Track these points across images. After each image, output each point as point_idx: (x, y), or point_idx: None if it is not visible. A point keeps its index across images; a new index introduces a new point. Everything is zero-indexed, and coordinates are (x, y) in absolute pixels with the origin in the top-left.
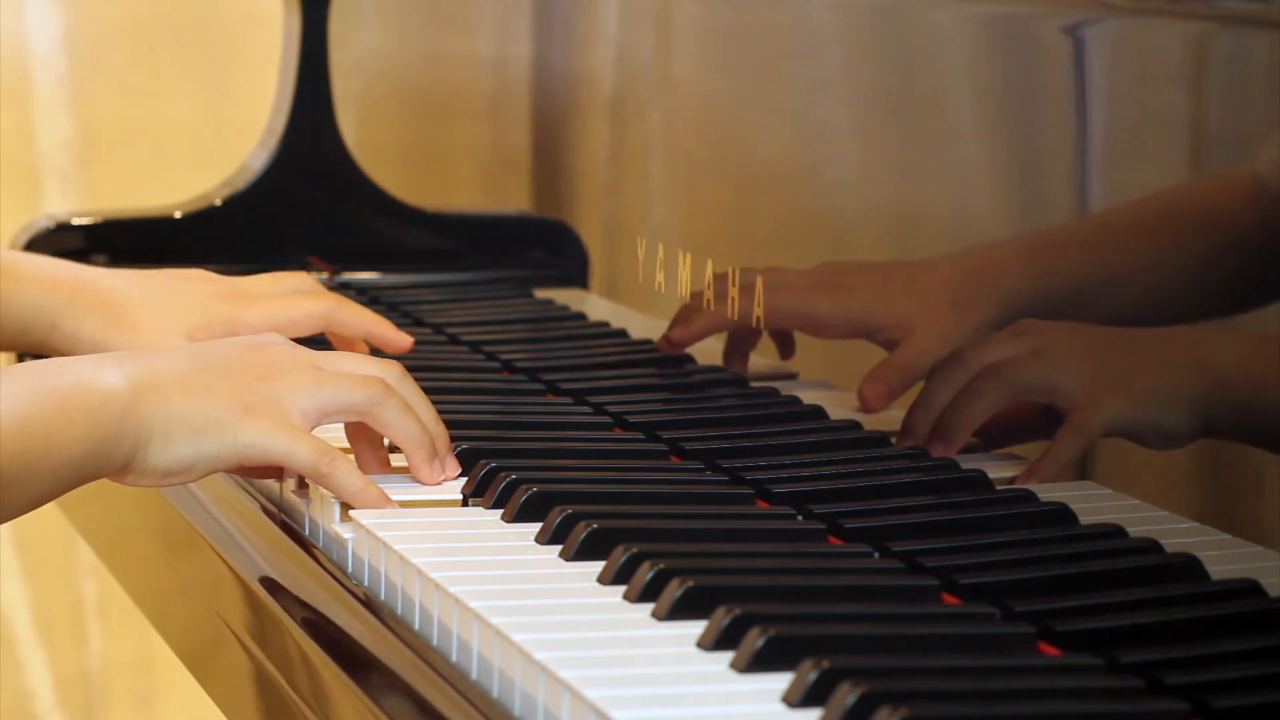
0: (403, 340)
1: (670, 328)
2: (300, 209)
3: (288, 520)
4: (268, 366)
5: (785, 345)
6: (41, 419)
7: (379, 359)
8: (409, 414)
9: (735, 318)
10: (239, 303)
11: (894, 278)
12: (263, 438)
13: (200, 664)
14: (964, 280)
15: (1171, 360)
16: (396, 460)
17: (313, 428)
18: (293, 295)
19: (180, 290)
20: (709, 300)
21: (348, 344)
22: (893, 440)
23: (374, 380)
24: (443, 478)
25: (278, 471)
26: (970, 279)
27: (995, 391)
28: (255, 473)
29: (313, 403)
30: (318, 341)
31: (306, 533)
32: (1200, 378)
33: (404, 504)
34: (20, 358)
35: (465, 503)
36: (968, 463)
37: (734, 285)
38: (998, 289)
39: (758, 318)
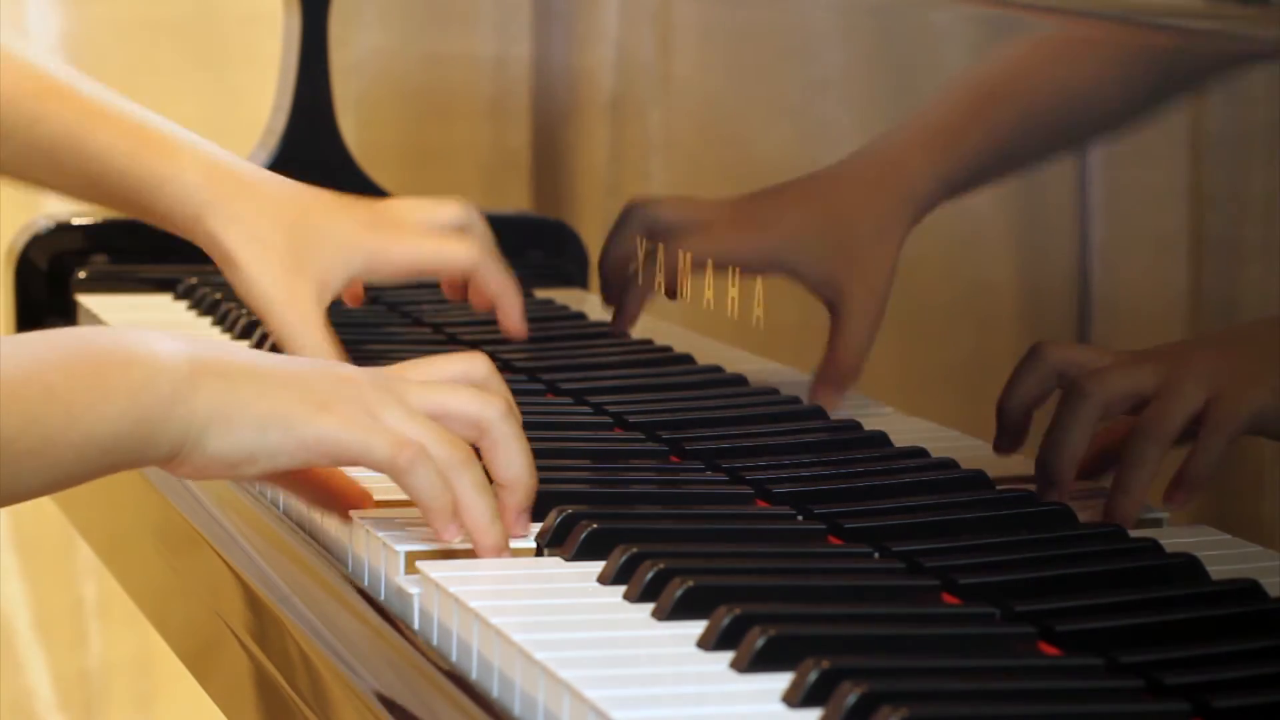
0: (521, 328)
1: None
2: None
3: (289, 519)
4: (355, 384)
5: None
6: (67, 387)
7: (484, 394)
8: (521, 456)
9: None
10: (386, 234)
11: (812, 220)
12: (336, 429)
13: (200, 664)
14: (875, 208)
15: None
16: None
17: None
18: (445, 234)
19: (336, 211)
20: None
21: (477, 301)
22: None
23: (457, 444)
24: (503, 540)
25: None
26: (878, 204)
27: (1152, 454)
28: (312, 492)
29: (417, 404)
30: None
31: (305, 533)
32: None
33: (401, 503)
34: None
35: None
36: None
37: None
38: (906, 195)
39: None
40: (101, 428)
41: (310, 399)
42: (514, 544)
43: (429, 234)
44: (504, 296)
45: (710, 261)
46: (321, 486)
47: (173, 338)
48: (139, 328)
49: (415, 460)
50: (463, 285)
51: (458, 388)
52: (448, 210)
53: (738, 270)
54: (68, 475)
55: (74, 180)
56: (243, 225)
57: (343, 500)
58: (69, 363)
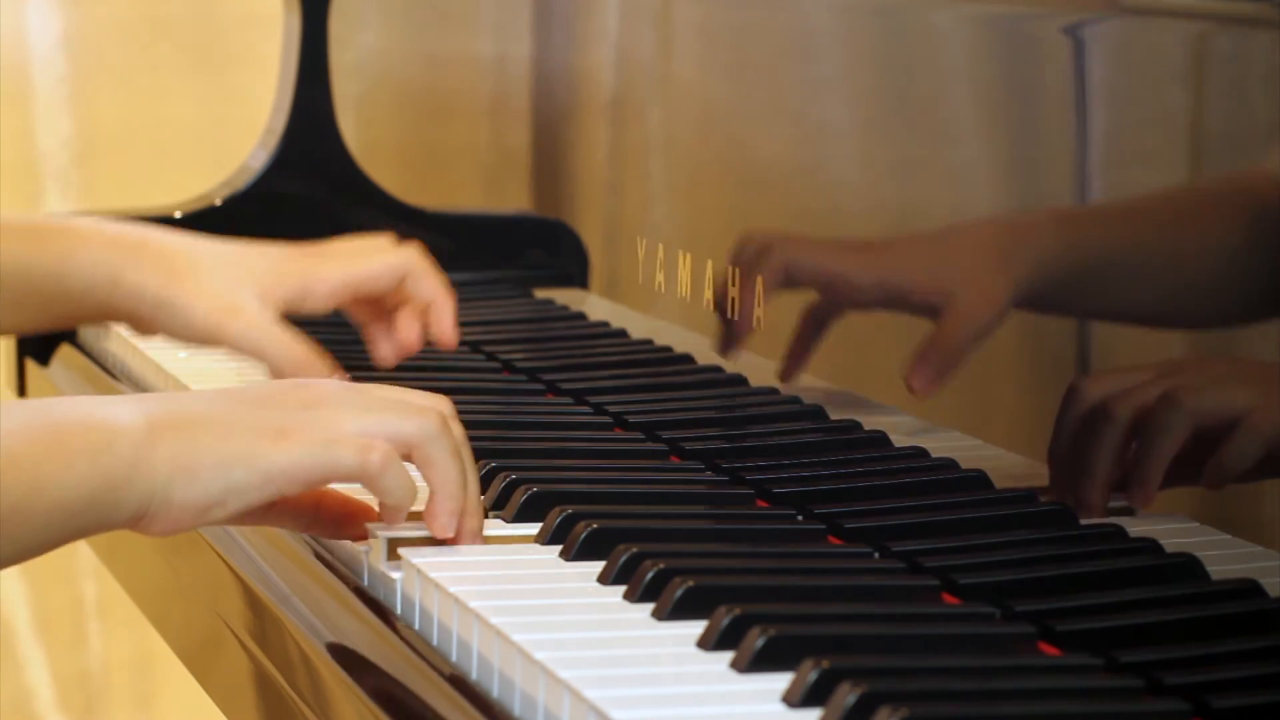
0: (453, 336)
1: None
2: (300, 209)
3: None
4: (311, 398)
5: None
6: (31, 458)
7: (432, 395)
8: (456, 459)
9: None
10: (313, 259)
11: (923, 244)
12: (298, 457)
13: (200, 664)
14: (999, 243)
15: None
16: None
17: None
18: (369, 250)
19: (250, 249)
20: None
21: (409, 311)
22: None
23: (430, 411)
24: (453, 533)
25: (335, 512)
26: (1005, 242)
27: (1178, 426)
28: (310, 524)
29: (358, 426)
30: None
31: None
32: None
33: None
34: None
35: None
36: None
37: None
38: (1034, 253)
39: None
40: (67, 494)
41: (267, 431)
42: (516, 543)
43: (357, 251)
44: (437, 299)
45: (710, 262)
46: (319, 512)
47: (127, 400)
48: (92, 396)
49: (385, 463)
50: (382, 309)
51: (391, 406)
52: (373, 240)
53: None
54: (36, 543)
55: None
56: (159, 272)
57: (349, 521)
58: (29, 432)
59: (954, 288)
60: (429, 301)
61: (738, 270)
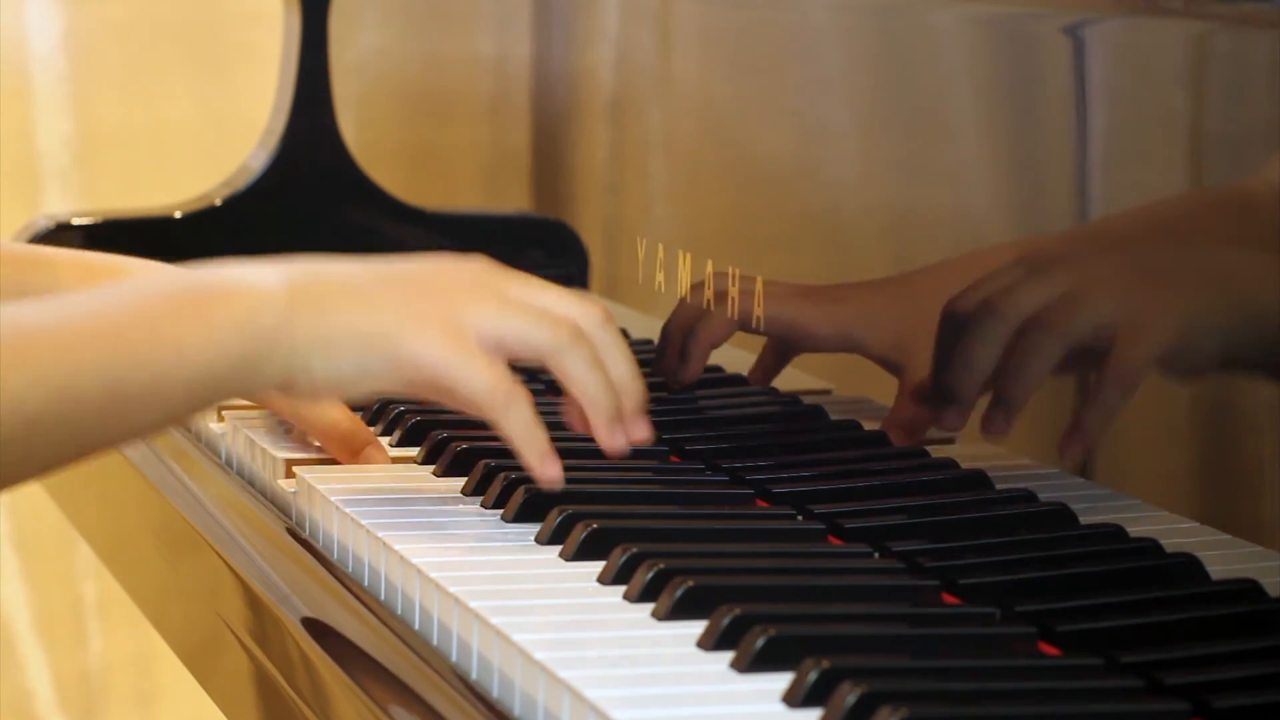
0: None
1: (672, 366)
2: (300, 209)
3: (286, 519)
4: (453, 286)
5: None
6: (174, 327)
7: (584, 297)
8: (594, 369)
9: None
10: None
11: (885, 291)
12: (434, 351)
13: (200, 664)
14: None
15: (1203, 284)
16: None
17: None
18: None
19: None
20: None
21: None
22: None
23: (564, 323)
24: (624, 442)
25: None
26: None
27: (1051, 347)
28: (425, 396)
29: (494, 330)
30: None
31: (307, 533)
32: (1230, 302)
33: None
34: None
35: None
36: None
37: (734, 285)
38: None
39: (757, 318)
40: (209, 364)
41: (409, 315)
42: (516, 542)
43: None
44: None
45: (710, 262)
46: None
47: (271, 266)
48: (235, 262)
49: (509, 403)
50: None
51: (527, 313)
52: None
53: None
54: (176, 412)
55: None
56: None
57: None
58: (173, 302)
59: (915, 340)
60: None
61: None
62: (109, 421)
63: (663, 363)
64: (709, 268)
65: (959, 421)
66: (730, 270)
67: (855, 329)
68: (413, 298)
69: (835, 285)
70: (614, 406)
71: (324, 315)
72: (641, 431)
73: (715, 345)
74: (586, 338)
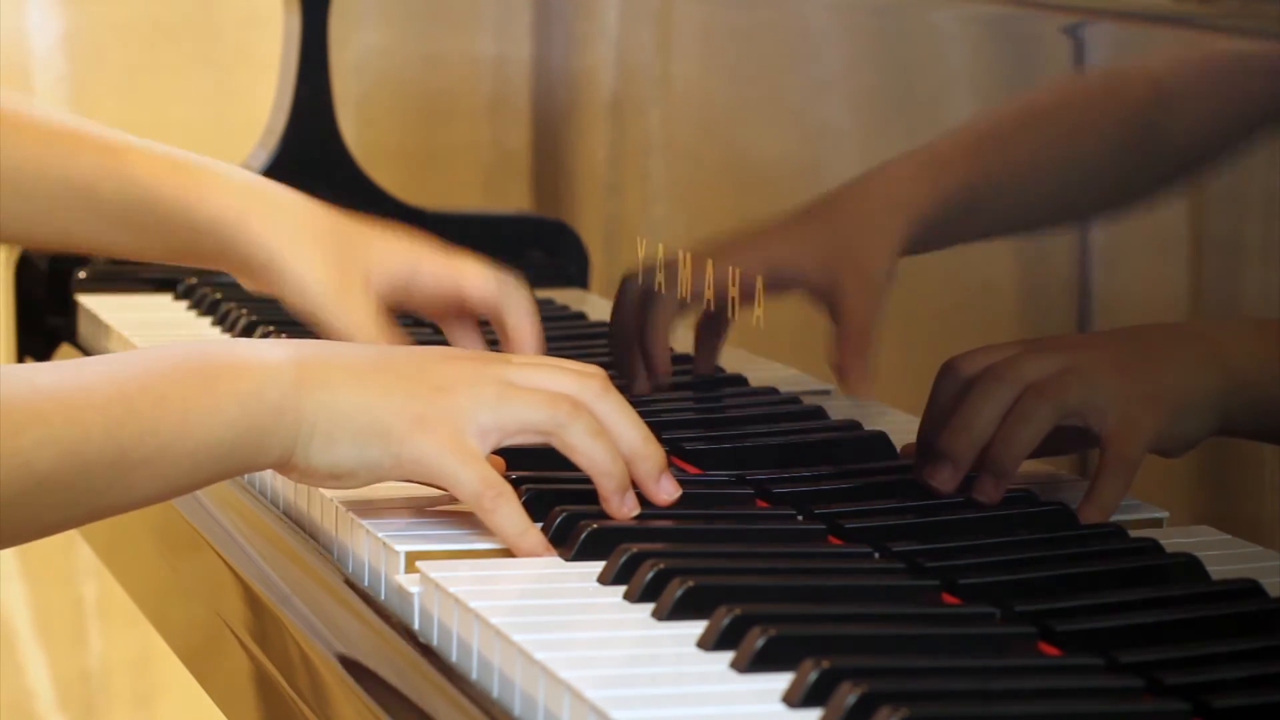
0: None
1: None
2: None
3: (289, 519)
4: (452, 379)
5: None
6: (181, 398)
7: (581, 369)
8: (597, 439)
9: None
10: (422, 248)
11: (797, 231)
12: (430, 453)
13: (200, 664)
14: (867, 211)
15: (1193, 362)
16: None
17: (492, 448)
18: (477, 267)
19: (363, 226)
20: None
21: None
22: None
23: (561, 399)
24: (633, 510)
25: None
26: (871, 206)
27: (1044, 416)
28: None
29: (493, 420)
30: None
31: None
32: (1221, 377)
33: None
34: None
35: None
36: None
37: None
38: (900, 207)
39: (708, 299)
40: (214, 436)
41: (407, 413)
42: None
43: (461, 259)
44: (525, 343)
45: (710, 261)
46: None
47: (278, 344)
48: (244, 339)
49: (497, 504)
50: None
51: (523, 396)
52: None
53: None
54: (180, 484)
55: (109, 213)
56: (284, 228)
57: None
58: (181, 374)
59: (840, 271)
60: (516, 343)
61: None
62: (114, 488)
63: (630, 369)
64: (709, 268)
65: (951, 484)
66: (730, 270)
67: (784, 261)
68: (416, 392)
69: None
70: (622, 474)
71: (329, 399)
72: (667, 493)
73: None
74: (586, 409)
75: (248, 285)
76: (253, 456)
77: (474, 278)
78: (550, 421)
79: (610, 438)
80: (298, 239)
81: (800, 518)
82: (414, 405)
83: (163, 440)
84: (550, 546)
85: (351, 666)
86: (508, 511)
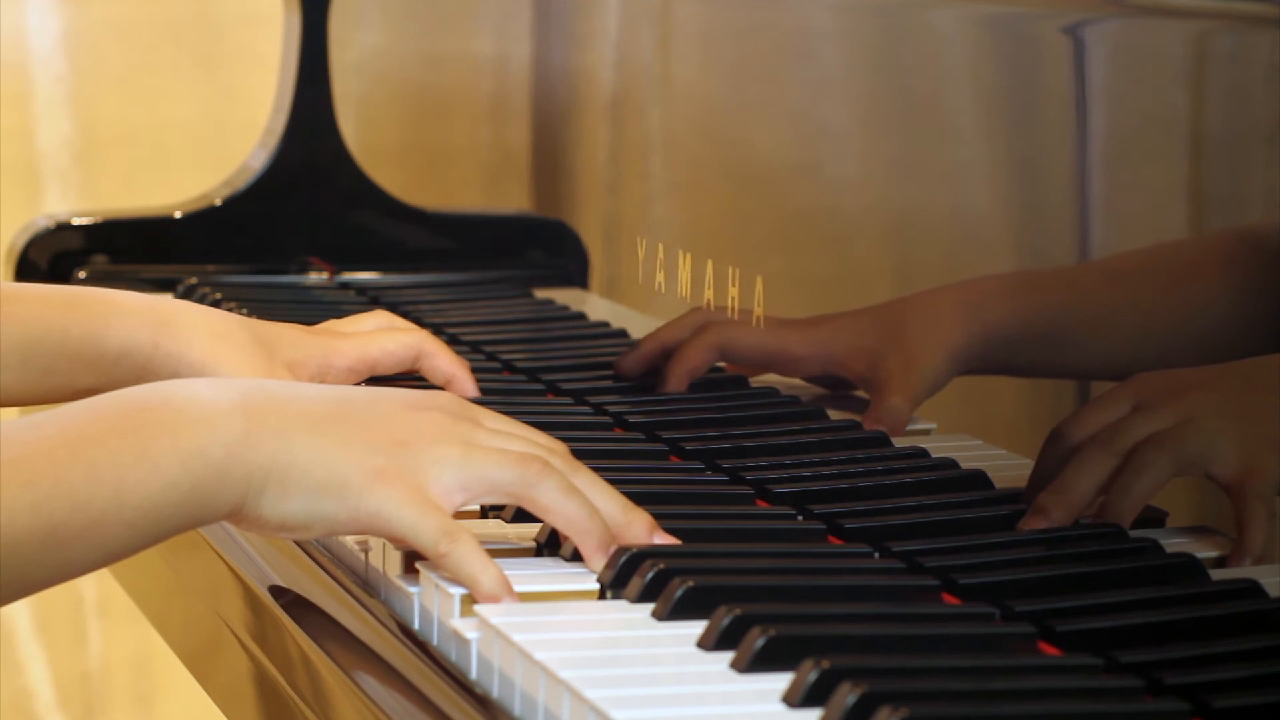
0: (472, 388)
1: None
2: (300, 209)
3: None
4: (415, 432)
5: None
6: (113, 465)
7: (547, 438)
8: (570, 495)
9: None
10: (328, 337)
11: (868, 317)
12: (389, 506)
13: (200, 664)
14: (943, 312)
15: None
16: None
17: (456, 507)
18: (381, 329)
19: (271, 326)
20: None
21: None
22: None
23: (530, 459)
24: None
25: None
26: (951, 310)
27: (1162, 467)
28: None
29: (456, 479)
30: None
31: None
32: None
33: None
34: None
35: None
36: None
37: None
38: (979, 320)
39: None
40: (151, 501)
41: (367, 466)
42: (515, 544)
43: (369, 332)
44: (455, 376)
45: (710, 262)
46: None
47: (226, 388)
48: (186, 382)
49: (460, 557)
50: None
51: (489, 455)
52: (372, 316)
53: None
54: (120, 551)
55: (8, 358)
56: (198, 340)
57: None
58: (114, 434)
59: (893, 363)
60: (448, 378)
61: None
62: (48, 562)
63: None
64: (709, 268)
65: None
66: (730, 270)
67: (834, 351)
68: (376, 445)
69: (812, 318)
70: (602, 530)
71: (281, 449)
72: (638, 534)
73: (694, 375)
74: (555, 468)
75: None
76: (197, 515)
77: (381, 350)
78: (520, 482)
79: (582, 494)
80: (216, 347)
81: (800, 518)
82: (374, 459)
83: (96, 511)
84: (510, 586)
85: (350, 665)
86: (465, 550)
